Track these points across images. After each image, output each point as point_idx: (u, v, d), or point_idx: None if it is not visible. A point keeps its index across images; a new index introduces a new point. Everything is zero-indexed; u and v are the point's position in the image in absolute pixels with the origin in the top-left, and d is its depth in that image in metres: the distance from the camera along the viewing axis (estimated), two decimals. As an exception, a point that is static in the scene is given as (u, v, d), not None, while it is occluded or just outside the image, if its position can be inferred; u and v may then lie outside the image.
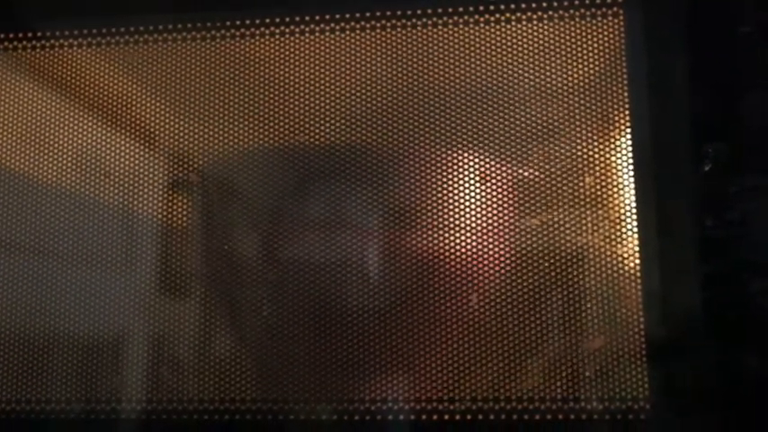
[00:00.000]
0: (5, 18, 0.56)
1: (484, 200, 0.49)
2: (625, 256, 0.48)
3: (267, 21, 0.53)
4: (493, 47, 0.51)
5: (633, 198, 0.48)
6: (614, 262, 0.48)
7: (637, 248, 0.48)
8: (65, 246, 0.53)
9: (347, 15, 0.52)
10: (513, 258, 0.49)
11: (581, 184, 0.49)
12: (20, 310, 0.53)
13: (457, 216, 0.49)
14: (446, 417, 0.48)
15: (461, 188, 0.50)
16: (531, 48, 0.50)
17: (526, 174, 0.49)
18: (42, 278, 0.53)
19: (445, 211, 0.50)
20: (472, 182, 0.50)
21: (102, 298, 0.52)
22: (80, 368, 0.52)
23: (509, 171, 0.50)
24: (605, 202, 0.49)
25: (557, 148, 0.49)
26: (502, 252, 0.49)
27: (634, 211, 0.48)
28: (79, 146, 0.54)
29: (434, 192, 0.50)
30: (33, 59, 0.55)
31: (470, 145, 0.50)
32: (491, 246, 0.49)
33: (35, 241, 0.53)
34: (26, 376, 0.52)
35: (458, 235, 0.49)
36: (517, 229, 0.49)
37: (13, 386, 0.52)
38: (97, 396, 0.51)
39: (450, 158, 0.50)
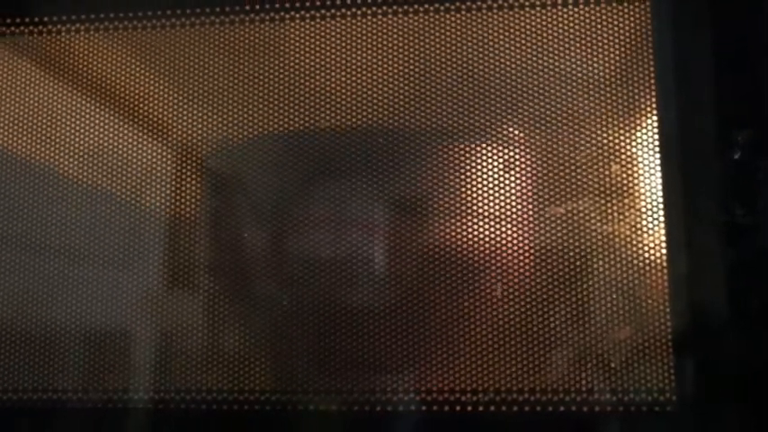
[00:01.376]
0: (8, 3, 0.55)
1: (510, 189, 0.49)
2: (652, 245, 0.47)
3: (277, 6, 0.52)
4: (517, 33, 0.50)
5: (660, 186, 0.47)
6: (641, 251, 0.48)
7: (664, 237, 0.47)
8: (77, 239, 0.53)
9: (368, 1, 0.52)
10: (538, 248, 0.48)
11: (608, 172, 0.48)
12: (24, 302, 0.52)
13: (483, 205, 0.49)
14: (469, 408, 0.47)
15: (487, 177, 0.49)
16: (556, 34, 0.49)
17: (552, 162, 0.49)
18: (51, 272, 0.52)
19: (470, 200, 0.49)
20: (498, 171, 0.49)
21: (111, 291, 0.52)
22: (90, 359, 0.51)
23: (535, 159, 0.49)
24: (632, 190, 0.48)
25: (583, 135, 0.48)
26: (528, 241, 0.48)
27: (661, 199, 0.47)
28: (88, 136, 0.53)
29: (460, 181, 0.49)
30: (38, 45, 0.54)
31: (495, 133, 0.49)
32: (517, 235, 0.48)
33: (43, 235, 0.53)
34: (38, 366, 0.51)
35: (484, 224, 0.48)
36: (543, 218, 0.48)
37: (27, 376, 0.51)
38: (108, 387, 0.51)
39: (474, 147, 0.49)
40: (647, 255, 0.47)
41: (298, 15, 0.52)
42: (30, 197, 0.53)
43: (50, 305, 0.52)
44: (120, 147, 0.53)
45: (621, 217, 0.48)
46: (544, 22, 0.49)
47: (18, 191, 0.53)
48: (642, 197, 0.48)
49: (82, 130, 0.53)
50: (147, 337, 0.52)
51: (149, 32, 0.53)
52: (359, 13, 0.51)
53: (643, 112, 0.48)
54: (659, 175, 0.48)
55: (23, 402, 0.51)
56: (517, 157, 0.49)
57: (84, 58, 0.54)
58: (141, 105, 0.53)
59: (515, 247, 0.48)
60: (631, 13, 0.49)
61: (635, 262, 0.47)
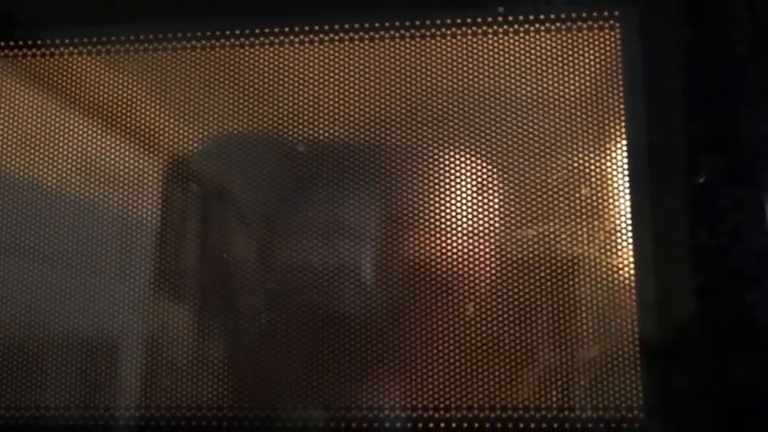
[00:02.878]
0: (6, 27, 0.57)
1: (481, 210, 0.50)
2: (620, 266, 0.49)
3: (266, 31, 0.53)
4: (487, 58, 0.51)
5: (629, 209, 0.49)
6: (609, 272, 0.49)
7: (632, 259, 0.48)
8: (75, 251, 0.54)
9: (345, 26, 0.53)
10: (508, 268, 0.49)
11: (577, 194, 0.49)
12: (18, 314, 0.53)
13: (452, 225, 0.50)
14: (442, 425, 0.48)
15: (458, 197, 0.50)
16: (526, 59, 0.51)
17: (523, 184, 0.50)
18: (44, 282, 0.53)
19: (441, 219, 0.50)
20: (469, 192, 0.50)
21: (104, 302, 0.53)
22: (80, 373, 0.52)
23: (505, 182, 0.50)
24: (601, 212, 0.49)
25: (552, 158, 0.50)
26: (498, 261, 0.49)
27: (629, 221, 0.49)
28: (82, 152, 0.54)
29: (431, 200, 0.50)
30: (34, 67, 0.56)
31: (466, 156, 0.50)
32: (486, 255, 0.49)
33: (42, 246, 0.54)
34: (28, 381, 0.52)
35: (453, 243, 0.50)
36: (514, 240, 0.49)
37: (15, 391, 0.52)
38: (98, 402, 0.52)
39: (445, 168, 0.51)
40: (615, 275, 0.49)
41: (276, 41, 0.53)
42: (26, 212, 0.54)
43: (34, 319, 0.53)
44: (113, 162, 0.54)
45: (590, 238, 0.49)
46: (514, 49, 0.51)
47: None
48: (611, 219, 0.49)
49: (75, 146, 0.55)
50: (130, 350, 0.52)
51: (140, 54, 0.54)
52: (336, 38, 0.53)
53: (612, 137, 0.50)
54: (628, 197, 0.49)
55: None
56: (489, 179, 0.50)
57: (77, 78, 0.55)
58: (135, 127, 0.54)
59: (486, 268, 0.49)
60: (601, 38, 0.50)
61: (604, 282, 0.49)
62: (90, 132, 0.54)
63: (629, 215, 0.49)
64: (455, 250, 0.50)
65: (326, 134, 0.52)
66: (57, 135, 0.54)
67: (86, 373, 0.52)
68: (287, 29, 0.53)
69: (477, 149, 0.50)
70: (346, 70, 0.52)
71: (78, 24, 0.56)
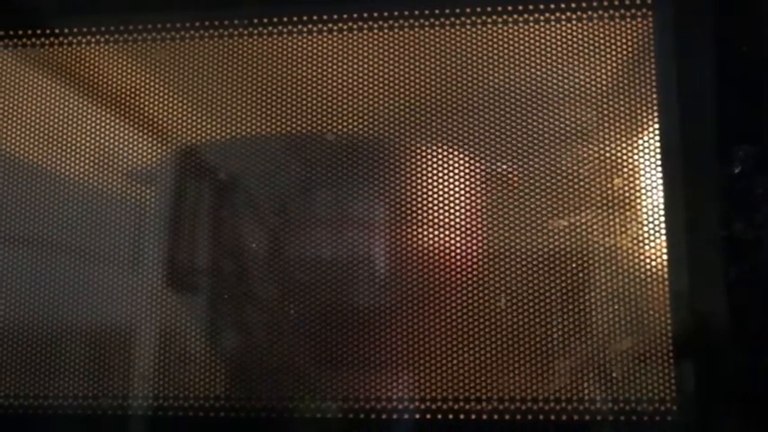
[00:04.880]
0: (17, 14, 0.56)
1: (513, 201, 0.49)
2: (653, 257, 0.48)
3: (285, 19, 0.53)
4: (519, 48, 0.50)
5: (662, 200, 0.48)
6: (642, 263, 0.48)
7: (665, 250, 0.48)
8: (92, 242, 0.53)
9: (374, 14, 0.52)
10: (542, 260, 0.49)
11: (610, 185, 0.49)
12: (30, 304, 0.53)
13: (486, 218, 0.49)
14: (473, 416, 0.48)
15: (490, 190, 0.50)
16: (558, 49, 0.50)
17: (553, 175, 0.49)
18: (56, 272, 0.53)
19: (473, 212, 0.50)
20: (500, 183, 0.50)
21: (119, 293, 0.52)
22: (91, 363, 0.52)
23: (537, 172, 0.50)
24: (633, 203, 0.49)
25: (585, 149, 0.49)
26: (531, 253, 0.49)
27: (662, 212, 0.48)
28: (98, 142, 0.54)
29: (463, 194, 0.50)
30: (47, 56, 0.55)
31: (498, 148, 0.50)
32: (520, 247, 0.49)
33: (62, 237, 0.54)
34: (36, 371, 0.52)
35: (488, 238, 0.49)
36: (546, 231, 0.49)
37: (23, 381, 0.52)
38: (109, 392, 0.51)
39: (477, 161, 0.50)
40: (648, 267, 0.48)
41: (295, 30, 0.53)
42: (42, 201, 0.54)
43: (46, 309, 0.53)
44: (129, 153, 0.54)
45: (623, 230, 0.49)
46: (547, 37, 0.50)
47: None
48: (643, 210, 0.49)
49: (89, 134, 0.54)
50: (140, 341, 0.52)
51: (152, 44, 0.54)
52: (355, 27, 0.52)
53: (645, 127, 0.49)
54: (660, 188, 0.48)
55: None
56: (521, 170, 0.50)
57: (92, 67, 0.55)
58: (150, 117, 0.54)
59: (521, 260, 0.49)
60: (634, 27, 0.50)
61: (636, 274, 0.48)
62: (111, 123, 0.54)
63: (662, 206, 0.48)
64: (487, 243, 0.49)
65: (367, 123, 0.51)
66: (82, 128, 0.54)
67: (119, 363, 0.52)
68: (315, 17, 0.53)
69: (510, 140, 0.50)
70: (378, 59, 0.51)
71: (100, 12, 0.56)
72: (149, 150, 0.54)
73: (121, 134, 0.54)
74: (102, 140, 0.54)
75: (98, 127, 0.54)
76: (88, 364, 0.52)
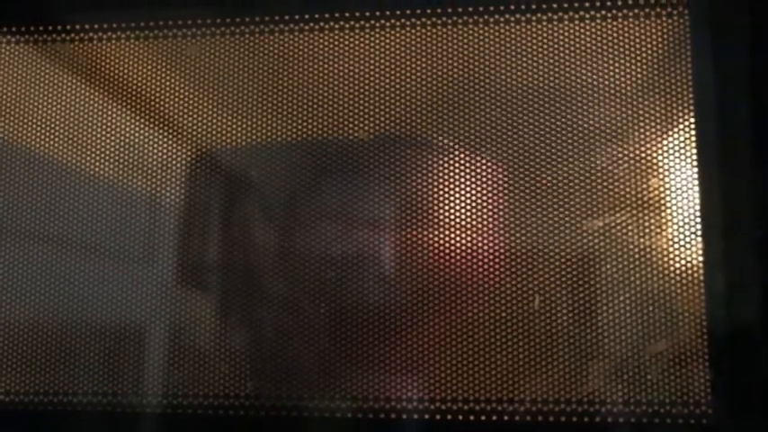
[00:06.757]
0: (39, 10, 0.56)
1: (547, 200, 0.49)
2: (688, 258, 0.48)
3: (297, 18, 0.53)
4: (555, 47, 0.50)
5: (698, 200, 0.48)
6: (677, 264, 0.48)
7: (701, 251, 0.47)
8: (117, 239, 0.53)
9: (397, 12, 0.52)
10: (578, 261, 0.48)
11: (646, 185, 0.48)
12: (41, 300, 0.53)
13: (518, 218, 0.49)
14: (506, 417, 0.48)
15: (524, 191, 0.49)
16: (594, 47, 0.50)
17: (588, 174, 0.49)
18: (68, 268, 0.53)
19: (506, 213, 0.49)
20: (534, 182, 0.49)
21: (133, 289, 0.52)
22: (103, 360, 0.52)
23: (571, 172, 0.49)
24: (669, 203, 0.48)
25: (621, 149, 0.49)
26: (566, 254, 0.48)
27: (699, 213, 0.48)
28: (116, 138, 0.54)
29: (497, 195, 0.50)
30: (67, 52, 0.55)
31: (533, 148, 0.50)
32: (556, 248, 0.49)
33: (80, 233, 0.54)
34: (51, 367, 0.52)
35: (523, 238, 0.49)
36: (582, 232, 0.48)
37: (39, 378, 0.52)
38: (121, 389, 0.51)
39: (511, 162, 0.50)
40: (684, 268, 0.48)
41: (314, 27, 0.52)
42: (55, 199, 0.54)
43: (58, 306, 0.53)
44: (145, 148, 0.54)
45: (659, 230, 0.48)
46: (583, 36, 0.50)
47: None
48: (679, 211, 0.48)
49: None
50: (151, 338, 0.52)
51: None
52: (377, 25, 0.52)
53: (681, 126, 0.49)
54: (697, 189, 0.48)
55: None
56: (555, 169, 0.49)
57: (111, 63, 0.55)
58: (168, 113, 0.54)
59: (555, 260, 0.48)
60: (669, 25, 0.49)
61: (671, 276, 0.48)
62: (130, 120, 0.54)
63: (698, 206, 0.48)
64: (521, 243, 0.49)
65: (391, 119, 0.51)
66: (101, 125, 0.54)
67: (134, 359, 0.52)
68: (336, 14, 0.53)
69: (545, 140, 0.49)
70: (414, 57, 0.51)
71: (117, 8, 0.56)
72: (167, 147, 0.53)
73: (140, 131, 0.54)
74: (119, 137, 0.54)
75: (117, 124, 0.54)
76: (103, 361, 0.52)
